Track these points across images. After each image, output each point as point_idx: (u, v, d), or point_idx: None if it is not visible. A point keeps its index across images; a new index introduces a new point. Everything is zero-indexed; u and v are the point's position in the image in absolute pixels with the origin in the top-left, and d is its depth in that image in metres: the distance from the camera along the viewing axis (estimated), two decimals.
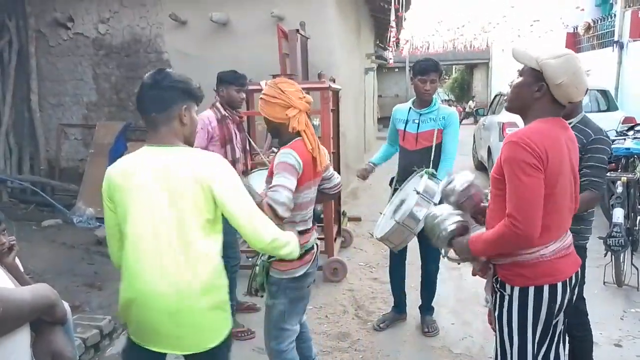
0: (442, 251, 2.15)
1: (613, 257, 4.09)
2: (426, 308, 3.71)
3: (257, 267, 2.43)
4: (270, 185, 2.23)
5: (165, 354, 1.91)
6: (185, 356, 1.92)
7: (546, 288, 1.87)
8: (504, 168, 1.82)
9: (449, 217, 2.06)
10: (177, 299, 1.78)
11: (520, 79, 1.91)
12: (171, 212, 1.77)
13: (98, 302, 3.88)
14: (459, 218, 2.06)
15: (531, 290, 1.88)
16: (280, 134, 2.41)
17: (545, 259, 1.86)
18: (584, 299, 2.75)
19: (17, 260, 2.10)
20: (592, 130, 2.53)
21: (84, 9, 7.10)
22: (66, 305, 2.18)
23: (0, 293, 1.03)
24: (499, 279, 1.97)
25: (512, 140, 1.80)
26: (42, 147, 7.40)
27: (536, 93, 1.86)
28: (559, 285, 1.88)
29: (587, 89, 1.95)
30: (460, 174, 2.20)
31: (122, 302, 1.88)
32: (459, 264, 2.21)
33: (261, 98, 2.39)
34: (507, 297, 1.93)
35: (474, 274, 2.12)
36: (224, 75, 3.63)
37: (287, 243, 1.96)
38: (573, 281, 1.95)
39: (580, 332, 2.73)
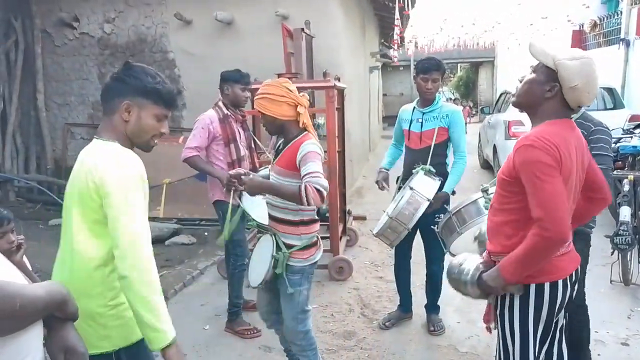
0: (470, 290, 1.97)
1: (620, 255, 4.07)
2: (432, 307, 3.70)
3: (278, 259, 2.51)
4: (310, 172, 2.35)
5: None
6: None
7: (547, 286, 1.86)
8: (520, 172, 1.78)
9: (466, 261, 1.99)
10: None
11: (533, 75, 1.87)
12: (70, 207, 1.74)
13: None
14: (476, 258, 2.00)
15: (532, 288, 1.87)
16: (287, 131, 2.53)
17: None
18: (584, 292, 2.76)
19: (24, 259, 2.12)
20: (592, 123, 2.57)
21: (90, 8, 7.13)
22: None
23: (16, 288, 1.04)
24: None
25: (526, 143, 1.77)
26: (48, 146, 7.45)
27: (547, 93, 1.83)
28: (560, 282, 1.87)
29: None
30: (470, 259, 2.02)
31: None
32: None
33: (265, 97, 2.45)
34: (508, 295, 1.92)
35: (519, 293, 1.91)
36: (229, 75, 3.64)
37: (149, 283, 1.60)
38: (573, 278, 1.94)
39: (578, 320, 2.75)
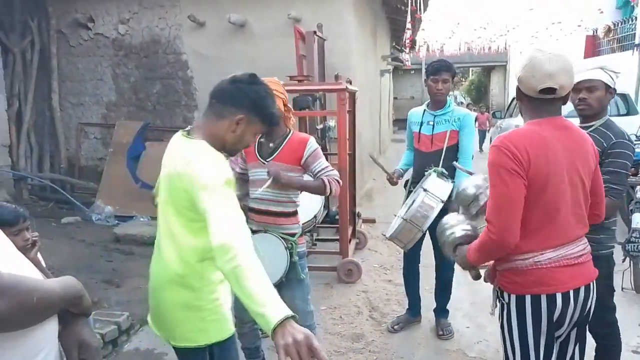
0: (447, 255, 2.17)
1: (632, 262, 4.03)
2: (441, 311, 3.70)
3: (291, 249, 2.69)
4: (325, 167, 2.69)
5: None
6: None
7: (544, 298, 1.80)
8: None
9: (457, 225, 2.08)
10: (154, 282, 1.83)
11: None
12: (165, 203, 1.79)
13: (116, 299, 3.94)
14: (467, 227, 2.07)
15: (528, 299, 1.82)
16: (280, 128, 2.70)
17: (541, 266, 1.80)
18: (612, 308, 2.65)
19: (39, 256, 2.15)
20: (613, 134, 2.42)
21: (105, 10, 7.21)
22: None
23: (33, 283, 1.07)
24: (499, 287, 1.94)
25: (494, 144, 1.81)
26: (62, 145, 7.54)
27: (516, 96, 1.92)
28: (558, 296, 1.80)
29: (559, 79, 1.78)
30: (471, 178, 2.19)
31: None
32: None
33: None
34: (505, 306, 1.90)
35: (474, 279, 2.12)
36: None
37: (246, 271, 1.50)
38: (582, 294, 1.84)
39: (607, 341, 2.65)
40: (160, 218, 1.83)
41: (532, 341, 1.85)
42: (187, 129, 1.83)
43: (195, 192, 1.62)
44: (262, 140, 2.73)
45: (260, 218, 2.72)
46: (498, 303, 1.97)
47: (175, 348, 1.88)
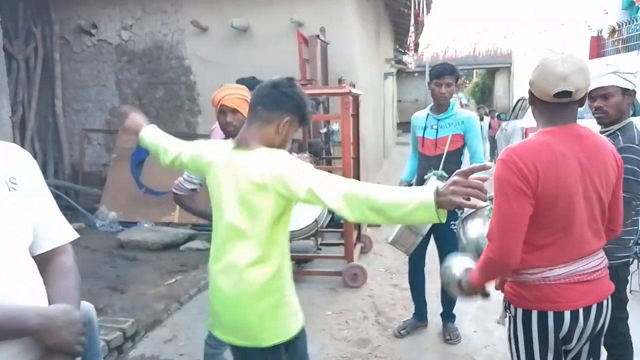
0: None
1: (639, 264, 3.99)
2: (448, 315, 3.66)
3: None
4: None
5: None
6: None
7: (551, 315, 1.73)
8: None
9: (460, 266, 1.98)
10: (230, 300, 1.86)
11: None
12: (239, 217, 1.81)
13: (120, 305, 3.93)
14: (471, 266, 1.95)
15: (534, 314, 1.76)
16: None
17: (549, 282, 1.72)
18: (623, 318, 2.60)
19: None
20: (623, 139, 2.35)
21: (107, 16, 7.23)
22: (91, 306, 2.20)
23: None
24: (506, 298, 1.89)
25: (501, 157, 1.72)
26: (65, 151, 7.54)
27: (529, 100, 1.83)
28: (566, 314, 1.73)
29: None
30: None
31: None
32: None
33: (242, 98, 2.63)
34: (512, 319, 1.85)
35: (483, 298, 1.98)
36: (245, 82, 3.66)
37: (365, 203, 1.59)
38: (593, 312, 1.76)
39: (617, 350, 2.59)
40: (225, 233, 1.84)
41: (538, 356, 1.80)
42: (237, 143, 1.88)
43: (289, 187, 1.68)
44: None
45: None
46: (507, 314, 1.92)
47: (260, 350, 1.87)
